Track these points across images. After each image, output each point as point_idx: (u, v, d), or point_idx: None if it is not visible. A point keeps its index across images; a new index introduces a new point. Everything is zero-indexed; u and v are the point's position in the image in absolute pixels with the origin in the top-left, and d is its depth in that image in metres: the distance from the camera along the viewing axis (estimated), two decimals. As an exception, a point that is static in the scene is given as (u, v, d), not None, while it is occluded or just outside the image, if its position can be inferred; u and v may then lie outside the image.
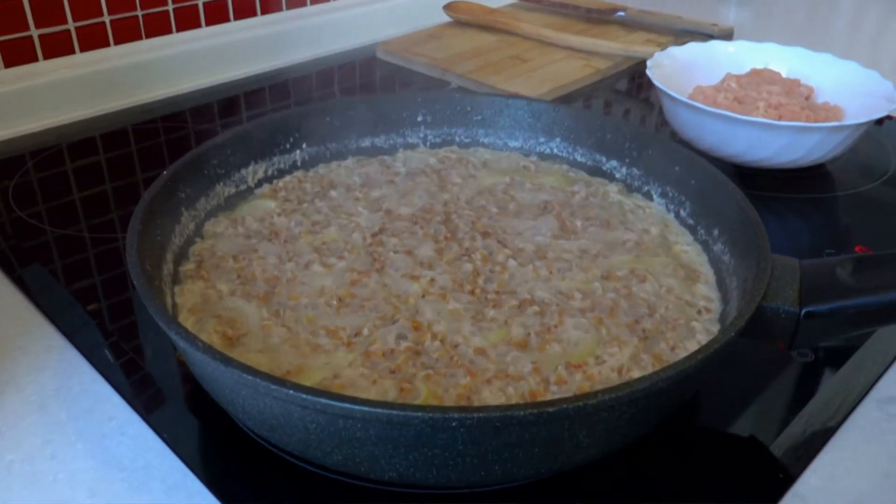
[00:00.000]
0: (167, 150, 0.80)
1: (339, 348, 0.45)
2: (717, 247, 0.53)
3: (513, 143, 0.68)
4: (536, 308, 0.49)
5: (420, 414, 0.34)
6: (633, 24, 1.13)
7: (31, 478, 0.42)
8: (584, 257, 0.54)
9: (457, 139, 0.69)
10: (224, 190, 0.59)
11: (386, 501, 0.41)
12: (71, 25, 0.84)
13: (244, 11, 0.98)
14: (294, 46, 1.03)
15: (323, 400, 0.35)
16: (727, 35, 1.09)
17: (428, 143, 0.69)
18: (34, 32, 0.82)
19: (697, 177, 0.57)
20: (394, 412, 0.34)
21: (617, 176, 0.64)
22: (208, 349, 0.37)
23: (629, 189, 0.63)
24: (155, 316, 0.40)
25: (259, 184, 0.62)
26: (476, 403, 0.42)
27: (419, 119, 0.68)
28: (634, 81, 1.00)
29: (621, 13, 1.14)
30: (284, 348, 0.45)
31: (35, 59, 0.83)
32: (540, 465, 0.39)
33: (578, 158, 0.66)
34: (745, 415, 0.47)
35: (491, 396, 0.42)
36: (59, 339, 0.53)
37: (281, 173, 0.63)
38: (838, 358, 0.52)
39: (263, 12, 1.00)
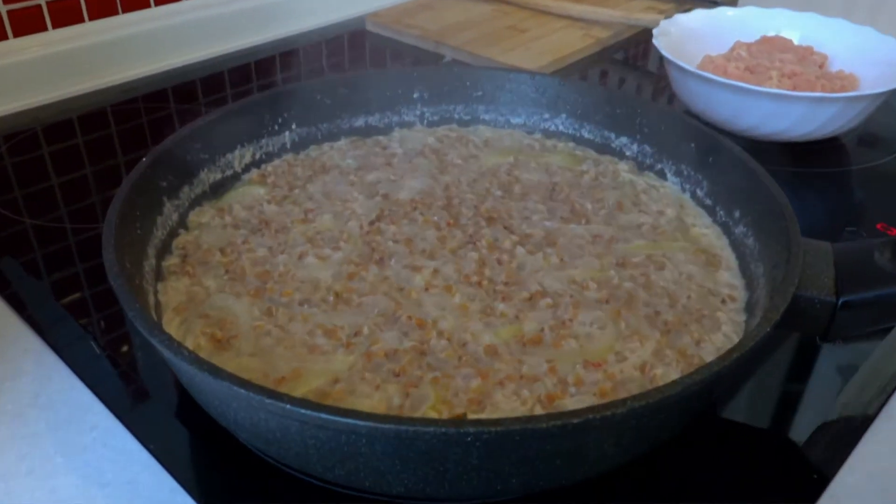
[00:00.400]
0: (149, 131, 0.77)
1: (338, 350, 0.42)
2: (739, 229, 0.50)
3: (515, 120, 0.64)
4: (549, 300, 0.45)
5: (432, 429, 0.31)
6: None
7: (5, 497, 0.39)
8: (597, 243, 0.51)
9: (456, 116, 0.65)
10: (209, 176, 0.55)
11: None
12: (42, 0, 0.80)
13: (226, -17, 0.94)
14: (280, 19, 0.99)
15: (323, 415, 0.31)
16: (731, 1, 1.05)
17: (425, 122, 0.65)
18: (2, 9, 0.78)
19: (714, 153, 0.54)
20: (402, 427, 0.31)
21: (627, 153, 0.60)
22: (195, 359, 0.34)
23: (640, 167, 0.59)
24: (135, 321, 0.36)
25: (246, 169, 0.58)
26: (488, 408, 0.38)
27: (415, 96, 0.64)
28: (638, 50, 0.96)
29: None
30: (278, 351, 0.42)
31: (5, 38, 0.79)
32: (561, 476, 0.36)
33: (585, 135, 0.62)
34: (770, 407, 0.45)
35: (504, 400, 0.39)
36: (36, 342, 0.49)
37: (269, 157, 0.59)
38: (868, 342, 0.49)
39: (247, -17, 0.96)
